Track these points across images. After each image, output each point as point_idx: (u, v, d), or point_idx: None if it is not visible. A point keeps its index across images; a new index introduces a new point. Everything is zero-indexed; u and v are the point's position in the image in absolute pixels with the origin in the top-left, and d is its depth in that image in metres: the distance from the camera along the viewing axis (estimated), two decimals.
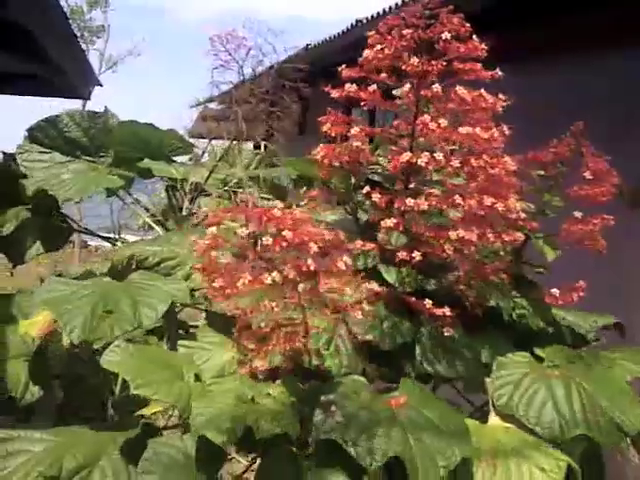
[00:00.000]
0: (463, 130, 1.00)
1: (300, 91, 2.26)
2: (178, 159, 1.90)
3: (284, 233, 0.86)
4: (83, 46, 7.22)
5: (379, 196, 1.05)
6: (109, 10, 12.58)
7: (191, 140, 2.16)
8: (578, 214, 1.13)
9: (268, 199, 1.65)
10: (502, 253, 1.17)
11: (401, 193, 1.11)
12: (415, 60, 1.03)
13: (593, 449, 1.05)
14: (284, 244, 0.86)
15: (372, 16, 3.19)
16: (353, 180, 1.20)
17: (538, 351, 1.11)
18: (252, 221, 0.88)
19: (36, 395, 1.27)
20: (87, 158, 1.76)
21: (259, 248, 0.88)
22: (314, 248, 0.87)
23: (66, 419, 1.31)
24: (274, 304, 0.90)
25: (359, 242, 1.08)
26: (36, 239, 1.64)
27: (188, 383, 1.06)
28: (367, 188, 1.09)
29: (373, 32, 1.10)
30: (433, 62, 1.03)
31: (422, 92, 1.05)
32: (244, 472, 1.26)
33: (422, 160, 1.01)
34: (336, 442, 0.90)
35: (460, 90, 1.02)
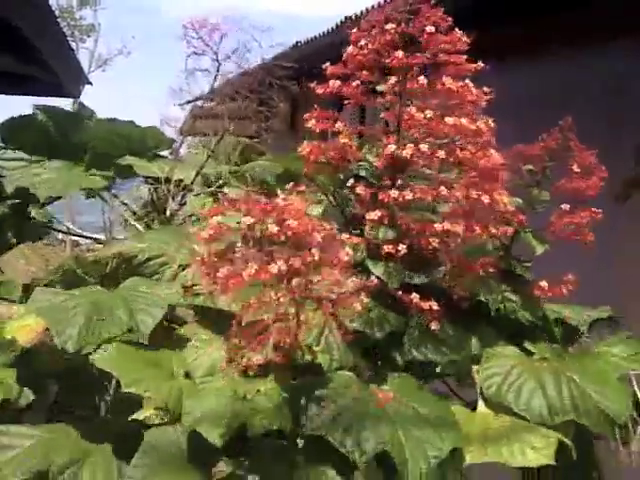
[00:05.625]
0: (450, 120, 1.00)
1: (288, 89, 2.25)
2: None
3: (289, 222, 0.84)
4: (73, 45, 7.17)
5: (363, 189, 1.04)
6: (99, 9, 12.52)
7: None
8: (566, 207, 1.13)
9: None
10: (490, 247, 1.17)
11: (387, 188, 1.11)
12: (400, 53, 1.03)
13: (582, 435, 1.06)
14: (289, 233, 0.84)
15: (361, 12, 3.18)
16: (340, 176, 1.20)
17: (528, 345, 1.12)
18: (254, 211, 0.86)
19: (31, 398, 1.25)
20: (65, 157, 1.70)
21: (262, 237, 0.86)
22: (318, 238, 0.86)
23: (59, 418, 1.29)
24: (272, 296, 0.88)
25: (346, 236, 1.08)
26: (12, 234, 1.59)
27: (179, 381, 1.06)
28: (351, 181, 1.08)
29: (355, 29, 1.10)
30: (417, 55, 1.03)
31: (408, 85, 1.05)
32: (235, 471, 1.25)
33: (407, 152, 1.01)
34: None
35: (447, 80, 1.02)
